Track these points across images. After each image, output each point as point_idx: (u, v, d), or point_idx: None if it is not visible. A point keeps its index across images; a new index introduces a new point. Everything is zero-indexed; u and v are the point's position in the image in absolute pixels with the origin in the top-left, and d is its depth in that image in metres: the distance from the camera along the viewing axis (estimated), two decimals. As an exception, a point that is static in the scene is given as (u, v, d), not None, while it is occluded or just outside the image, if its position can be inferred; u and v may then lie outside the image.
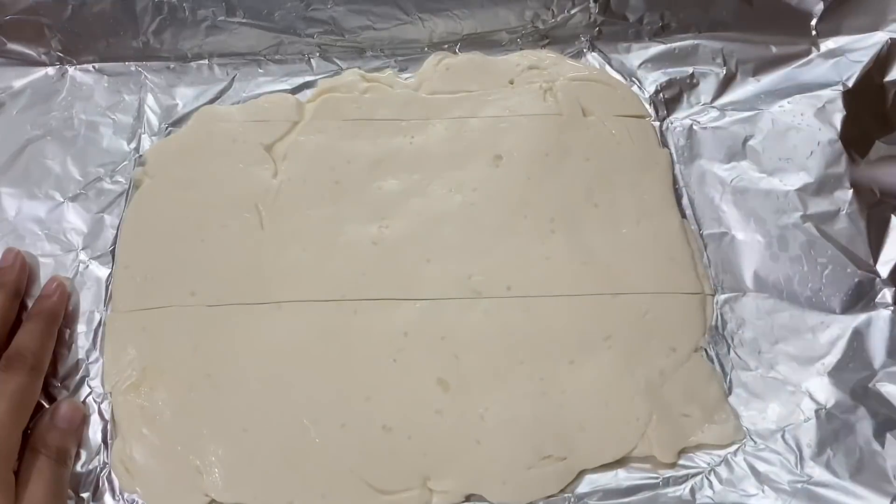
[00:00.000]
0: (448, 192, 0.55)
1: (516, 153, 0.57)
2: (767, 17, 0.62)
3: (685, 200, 0.56)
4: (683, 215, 0.55)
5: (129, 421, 0.47)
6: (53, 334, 0.49)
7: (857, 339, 0.49)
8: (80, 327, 0.51)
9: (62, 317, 0.50)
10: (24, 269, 0.51)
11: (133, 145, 0.58)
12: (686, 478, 0.45)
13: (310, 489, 0.45)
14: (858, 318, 0.50)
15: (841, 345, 0.49)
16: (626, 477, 0.46)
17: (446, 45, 0.64)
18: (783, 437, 0.46)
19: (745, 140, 0.58)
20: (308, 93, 0.61)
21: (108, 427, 0.47)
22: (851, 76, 0.59)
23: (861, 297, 0.50)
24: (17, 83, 0.61)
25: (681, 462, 0.46)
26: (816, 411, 0.47)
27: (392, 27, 0.63)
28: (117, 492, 0.45)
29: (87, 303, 0.52)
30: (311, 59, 0.63)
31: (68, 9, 0.60)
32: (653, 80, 0.62)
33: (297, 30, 0.62)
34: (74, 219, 0.55)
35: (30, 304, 0.51)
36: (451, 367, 0.49)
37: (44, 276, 0.52)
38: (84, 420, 0.47)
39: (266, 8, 0.62)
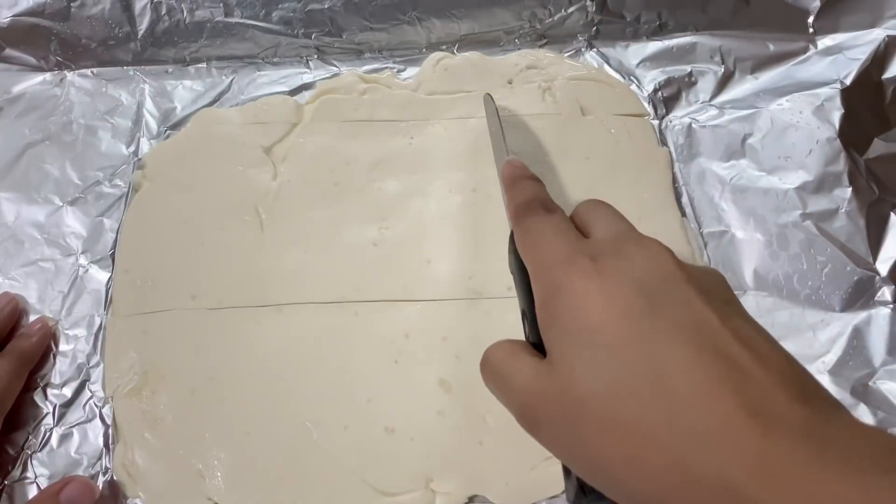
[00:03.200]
0: (448, 193, 0.55)
1: (516, 153, 0.57)
2: (765, 15, 0.62)
3: (685, 199, 0.56)
4: (683, 214, 0.55)
5: (131, 425, 0.47)
6: (23, 376, 0.47)
7: (857, 336, 0.49)
8: (81, 332, 0.51)
9: (37, 359, 0.49)
10: (13, 316, 0.50)
11: (132, 149, 0.58)
12: (688, 477, 0.45)
13: (312, 492, 0.45)
14: (858, 316, 0.50)
15: (841, 343, 0.49)
16: (629, 476, 0.46)
17: (444, 46, 0.63)
18: (785, 435, 0.46)
19: (744, 138, 0.58)
20: (307, 94, 0.61)
21: (110, 432, 0.47)
22: (849, 74, 0.59)
23: (861, 295, 0.50)
24: (16, 88, 0.61)
25: (683, 461, 0.46)
26: (817, 409, 0.47)
27: (390, 28, 0.63)
28: (119, 497, 0.45)
29: (87, 307, 0.51)
30: (310, 61, 0.63)
31: (66, 13, 0.60)
32: (651, 79, 0.62)
33: (295, 31, 0.62)
34: (74, 223, 0.55)
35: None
36: (452, 368, 0.49)
37: (44, 282, 0.52)
38: (93, 502, 0.44)
39: (264, 9, 0.62)
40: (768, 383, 0.25)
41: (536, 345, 0.32)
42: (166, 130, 0.59)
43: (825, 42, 0.61)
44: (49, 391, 0.48)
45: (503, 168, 0.40)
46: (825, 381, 0.48)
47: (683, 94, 0.61)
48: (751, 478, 0.22)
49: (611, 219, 0.34)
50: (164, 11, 0.61)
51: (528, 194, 0.37)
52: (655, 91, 0.61)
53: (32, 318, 0.51)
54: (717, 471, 0.23)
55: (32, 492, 0.45)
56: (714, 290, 0.30)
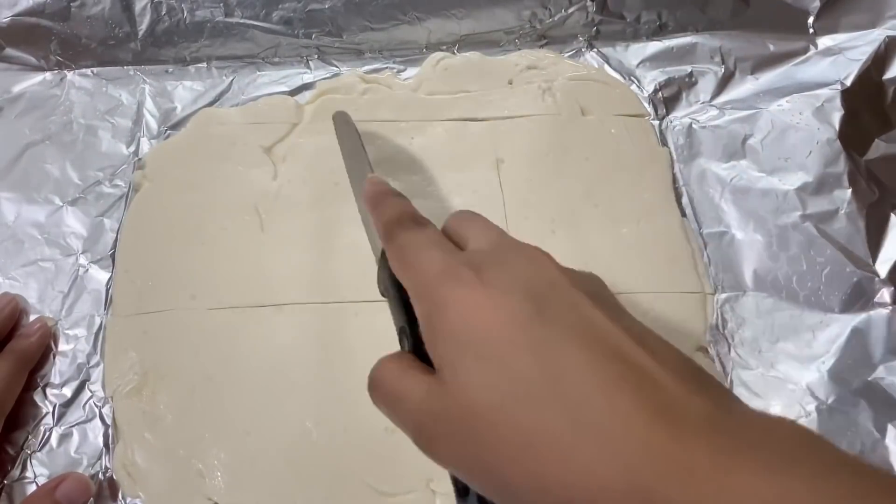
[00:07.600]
0: (448, 194, 0.55)
1: (516, 154, 0.57)
2: (765, 15, 0.62)
3: (685, 199, 0.56)
4: (683, 214, 0.55)
5: (131, 425, 0.47)
6: (23, 376, 0.47)
7: (857, 338, 0.49)
8: (81, 331, 0.50)
9: (36, 360, 0.49)
10: (13, 316, 0.50)
11: (132, 149, 0.58)
12: (688, 477, 0.46)
13: (312, 492, 0.45)
14: (857, 318, 0.50)
15: (840, 343, 0.49)
16: (629, 477, 0.46)
17: (444, 46, 0.64)
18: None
19: (745, 139, 0.58)
20: (307, 94, 0.61)
21: (110, 431, 0.47)
22: (849, 74, 0.59)
23: (860, 296, 0.50)
24: (16, 88, 0.61)
25: (683, 461, 0.46)
26: (818, 407, 0.47)
27: (390, 28, 0.63)
28: (119, 497, 0.45)
29: (88, 307, 0.51)
30: (310, 61, 0.63)
31: (66, 12, 0.60)
32: (651, 79, 0.62)
33: (296, 31, 0.62)
34: (74, 223, 0.55)
35: None
36: (452, 368, 0.49)
37: (44, 282, 0.52)
38: (89, 498, 0.44)
39: (264, 9, 0.62)
40: (666, 379, 0.24)
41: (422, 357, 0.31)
42: (166, 130, 0.59)
43: (825, 42, 0.61)
44: (49, 391, 0.48)
45: (365, 186, 0.39)
46: (825, 380, 0.48)
47: (683, 95, 0.61)
48: (660, 477, 0.21)
49: (484, 228, 0.34)
50: (164, 11, 0.61)
51: (397, 210, 0.36)
52: (655, 91, 0.61)
53: (32, 318, 0.51)
54: (625, 473, 0.22)
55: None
56: (598, 292, 0.29)
